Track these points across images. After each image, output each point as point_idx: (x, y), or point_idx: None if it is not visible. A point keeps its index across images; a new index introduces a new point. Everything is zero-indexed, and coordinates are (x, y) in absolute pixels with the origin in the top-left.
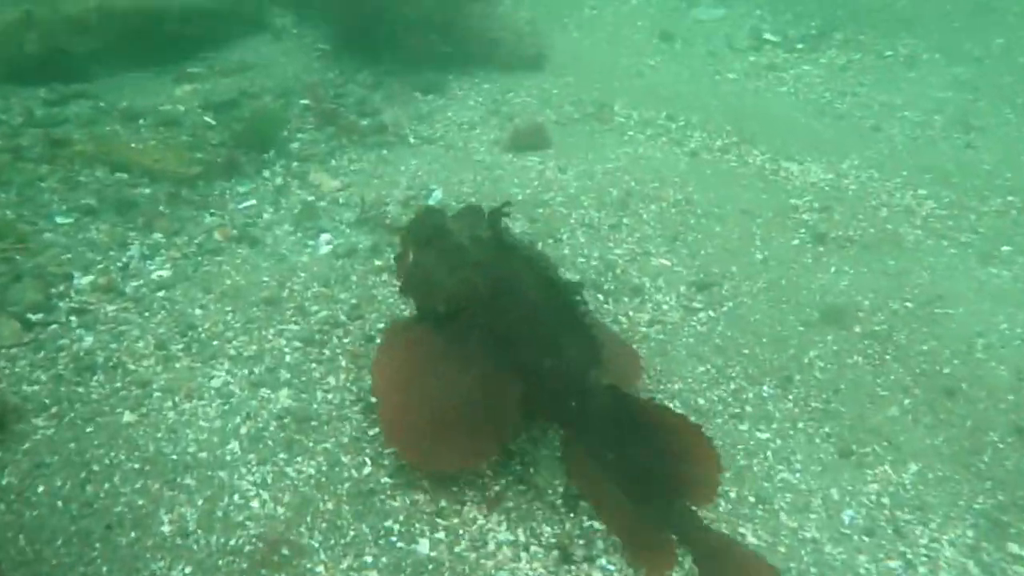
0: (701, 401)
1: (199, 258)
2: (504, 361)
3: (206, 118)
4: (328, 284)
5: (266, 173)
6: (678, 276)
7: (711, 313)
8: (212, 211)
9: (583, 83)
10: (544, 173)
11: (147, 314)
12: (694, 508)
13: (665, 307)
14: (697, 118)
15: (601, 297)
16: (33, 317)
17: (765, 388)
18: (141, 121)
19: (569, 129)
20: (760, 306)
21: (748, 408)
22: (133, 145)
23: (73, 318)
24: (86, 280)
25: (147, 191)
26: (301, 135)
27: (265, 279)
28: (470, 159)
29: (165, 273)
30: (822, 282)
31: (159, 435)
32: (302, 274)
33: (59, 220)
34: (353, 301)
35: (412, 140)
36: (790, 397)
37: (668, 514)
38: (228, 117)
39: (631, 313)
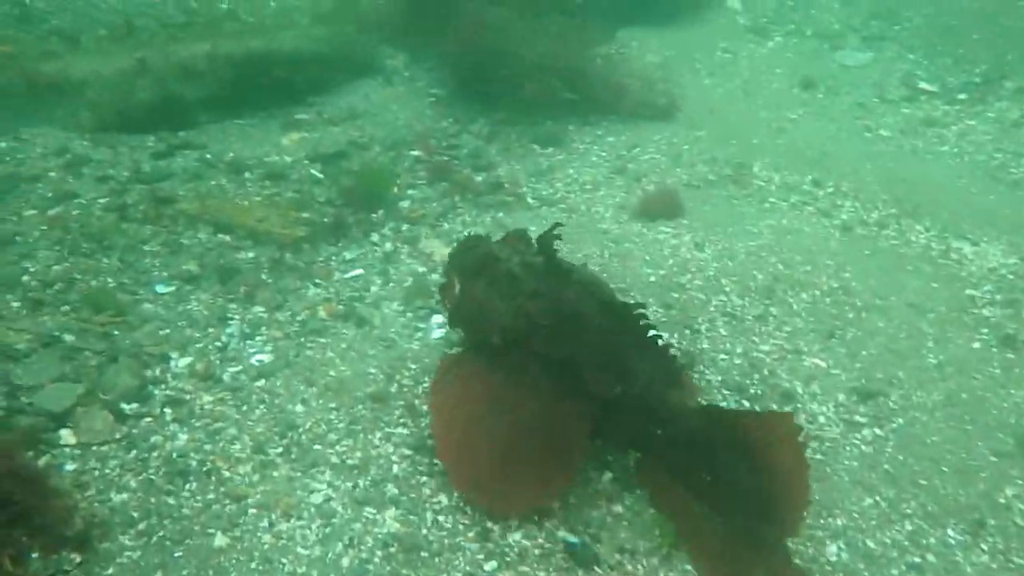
0: (870, 544)
1: (301, 339)
2: (568, 390)
3: (313, 171)
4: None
5: (374, 236)
6: (836, 381)
7: (878, 431)
8: (317, 281)
9: (718, 138)
10: (679, 250)
11: (245, 408)
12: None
13: (822, 419)
14: (848, 184)
15: (747, 403)
16: (127, 408)
17: (951, 532)
18: (247, 175)
19: (704, 194)
20: (938, 425)
21: (931, 558)
22: (238, 201)
23: (168, 410)
24: (183, 363)
25: (250, 255)
26: (412, 191)
27: (372, 370)
28: (594, 227)
29: (265, 357)
30: (1016, 400)
31: (252, 564)
32: (412, 365)
33: (159, 289)
34: None
35: (530, 200)
36: (984, 547)
37: (761, 545)
38: (336, 170)
39: None
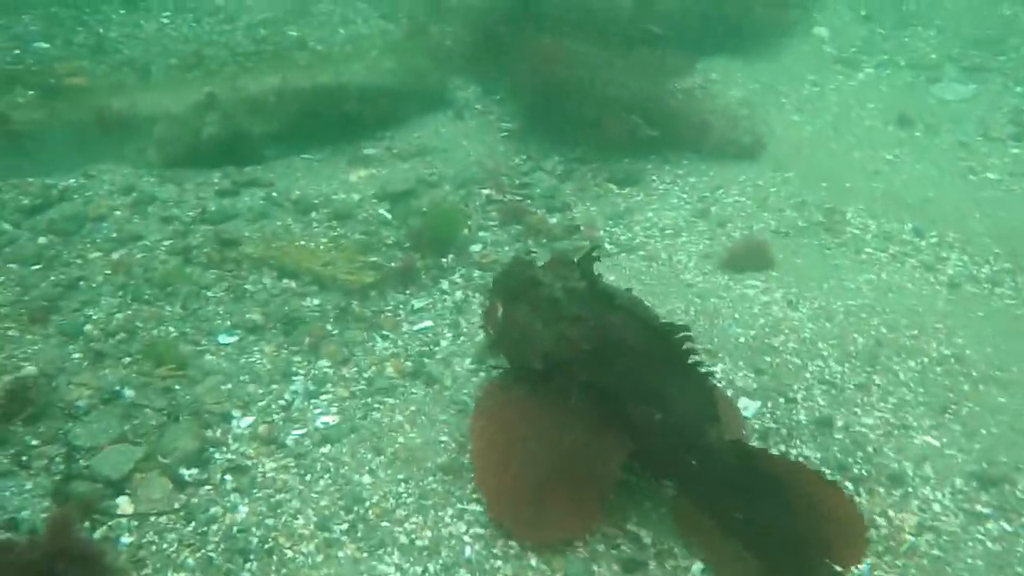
0: None
1: (368, 399)
2: (608, 417)
3: (381, 210)
4: None
5: (444, 284)
6: (952, 463)
7: (1006, 525)
8: (384, 332)
9: (807, 181)
10: (770, 307)
11: (309, 478)
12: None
13: (937, 507)
14: (953, 234)
15: (850, 485)
16: (187, 474)
17: None
18: (313, 214)
19: (794, 243)
20: None
21: None
22: (303, 243)
23: (228, 477)
24: (245, 424)
25: (315, 302)
26: (483, 233)
27: (443, 438)
28: (677, 278)
29: (331, 419)
30: None
31: None
32: None
33: (222, 340)
34: None
35: (608, 245)
36: None
37: None
38: (404, 209)
39: (891, 512)
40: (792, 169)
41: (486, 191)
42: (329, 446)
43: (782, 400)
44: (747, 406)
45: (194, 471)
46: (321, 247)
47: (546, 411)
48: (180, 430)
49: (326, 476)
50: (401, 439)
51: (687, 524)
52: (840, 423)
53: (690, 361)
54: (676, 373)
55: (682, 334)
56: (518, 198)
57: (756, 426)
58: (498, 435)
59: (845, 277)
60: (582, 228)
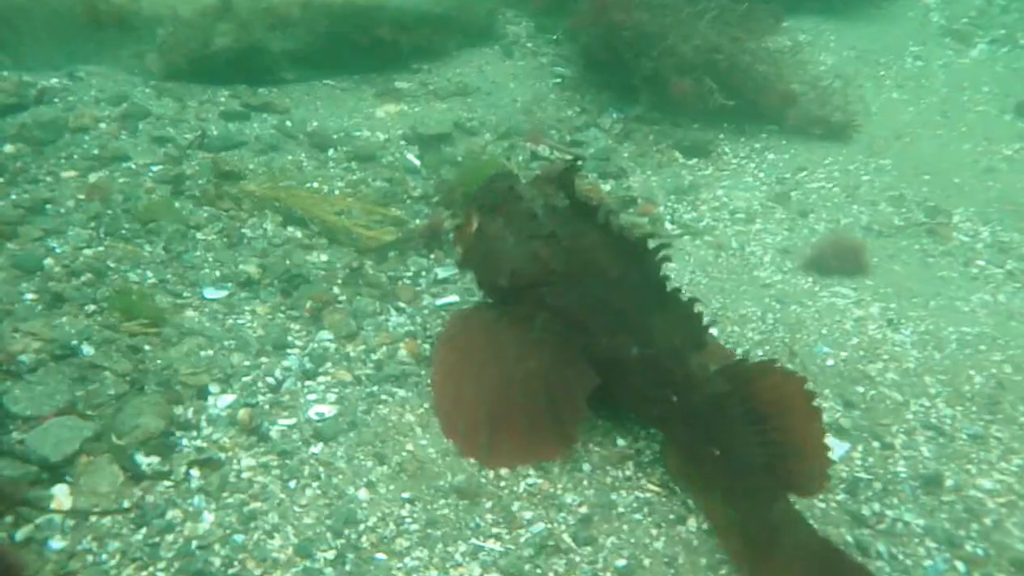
0: None
1: (375, 387)
2: (574, 348)
3: (409, 155)
4: (549, 472)
5: None
6: None
7: None
8: (400, 305)
9: (906, 172)
10: (865, 325)
11: (293, 485)
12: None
13: None
14: None
15: (961, 566)
16: (144, 462)
17: None
18: (331, 152)
19: (891, 245)
20: None
21: None
22: (315, 184)
23: (195, 473)
24: (224, 403)
25: (323, 259)
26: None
27: None
28: (750, 274)
29: (327, 409)
30: None
31: None
32: None
33: (208, 294)
34: (584, 510)
35: (669, 225)
36: None
37: (769, 516)
38: (436, 157)
39: None
40: (889, 156)
41: (532, 145)
42: (322, 445)
43: (877, 444)
44: (832, 447)
45: (154, 460)
46: (336, 192)
47: (509, 337)
48: (144, 404)
49: (314, 485)
50: (410, 446)
51: (677, 474)
52: (950, 482)
53: (672, 288)
54: (656, 301)
55: (662, 255)
56: (568, 157)
57: (843, 473)
58: (458, 361)
59: (955, 295)
60: (639, 200)
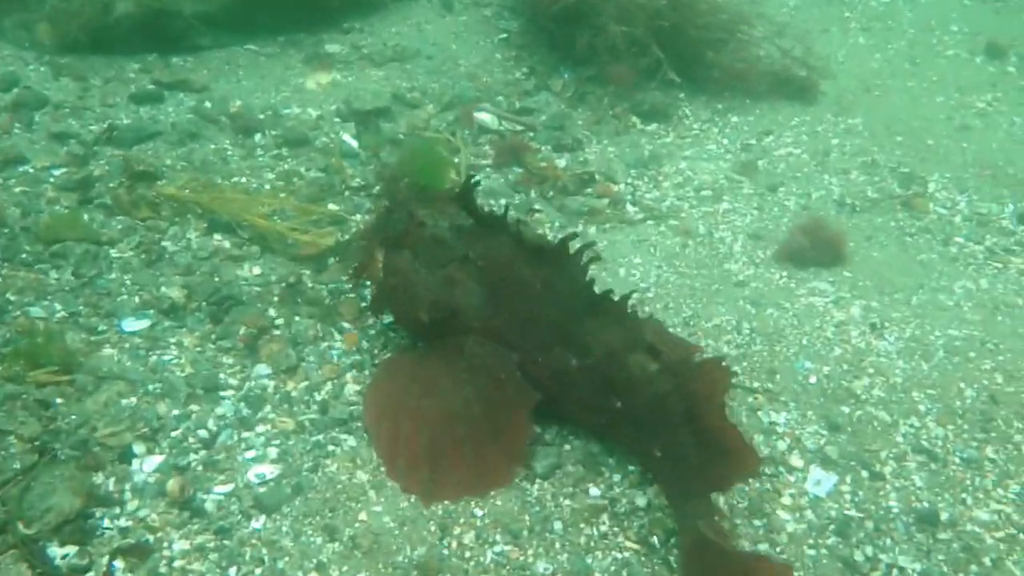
0: None
1: (320, 437)
2: (512, 367)
3: (345, 135)
4: (518, 536)
5: None
6: None
7: None
8: (345, 326)
9: (877, 132)
10: (847, 331)
11: (233, 571)
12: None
13: None
14: None
15: None
16: (59, 555)
17: None
18: (258, 137)
19: (866, 223)
20: None
21: None
22: (243, 181)
23: (119, 566)
24: (150, 467)
25: (256, 272)
26: (474, 178)
27: (420, 515)
28: (721, 268)
29: (268, 470)
30: None
31: None
32: (478, 511)
33: (127, 326)
34: None
35: (631, 209)
36: None
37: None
38: (375, 136)
39: None
40: (858, 114)
41: (480, 115)
42: (264, 518)
43: (866, 475)
44: (819, 480)
45: (70, 552)
46: (267, 187)
47: (441, 368)
48: (57, 478)
49: (258, 572)
50: (363, 515)
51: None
52: (945, 516)
53: (598, 290)
54: (585, 305)
55: (587, 259)
56: (518, 127)
57: (832, 512)
58: (390, 399)
59: (937, 284)
60: (598, 177)
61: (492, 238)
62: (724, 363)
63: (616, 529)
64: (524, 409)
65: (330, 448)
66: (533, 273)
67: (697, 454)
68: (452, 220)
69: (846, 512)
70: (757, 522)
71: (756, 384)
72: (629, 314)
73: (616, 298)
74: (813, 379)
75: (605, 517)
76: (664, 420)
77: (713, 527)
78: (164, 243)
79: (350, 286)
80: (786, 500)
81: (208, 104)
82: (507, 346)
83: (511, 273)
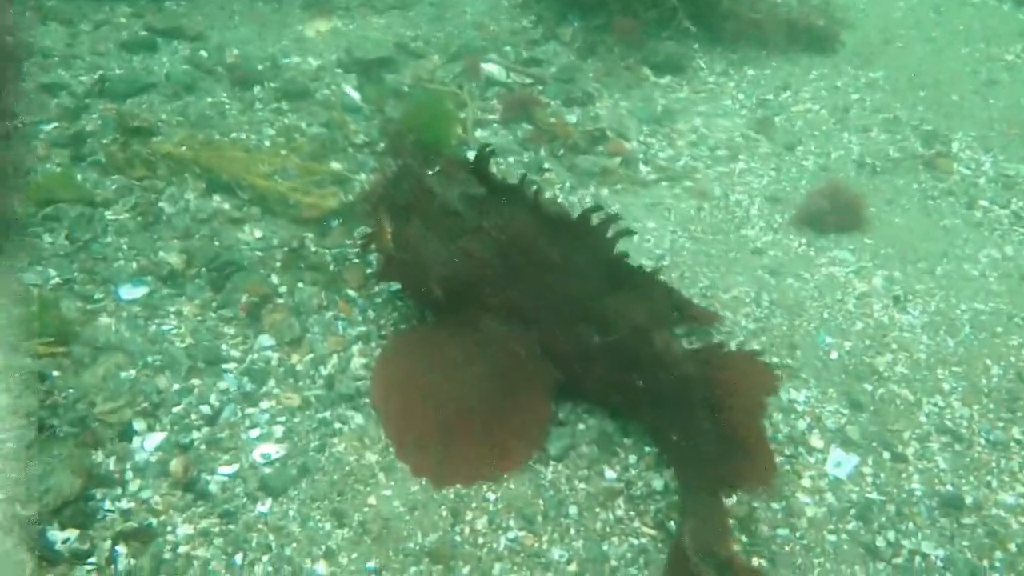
0: None
1: (327, 414)
2: (532, 344)
3: (348, 88)
4: (532, 521)
5: None
6: None
7: None
8: (349, 293)
9: (900, 86)
10: (869, 303)
11: (239, 560)
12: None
13: None
14: None
15: None
16: (59, 539)
17: None
18: (256, 89)
19: (888, 185)
20: None
21: None
22: (242, 137)
23: (121, 551)
24: (151, 445)
25: (257, 235)
26: (482, 132)
27: (431, 499)
28: (738, 234)
29: (274, 450)
30: None
31: None
32: (490, 494)
33: (124, 294)
34: (573, 568)
35: (644, 170)
36: None
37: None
38: (379, 89)
39: None
40: (880, 67)
41: (488, 66)
42: (270, 501)
43: (887, 456)
44: (840, 461)
45: (70, 536)
46: (267, 143)
47: (455, 344)
48: (56, 456)
49: (264, 560)
50: (372, 499)
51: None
52: (969, 500)
53: (624, 261)
54: (609, 279)
55: (612, 232)
56: (527, 80)
57: (853, 495)
58: (400, 376)
59: (962, 252)
60: (609, 134)
61: (508, 207)
62: (761, 358)
63: (632, 514)
64: (543, 389)
65: (337, 426)
66: (552, 244)
67: (714, 446)
68: (463, 188)
69: (867, 495)
70: (776, 505)
71: (776, 360)
72: (659, 288)
73: (646, 271)
74: (834, 355)
75: (621, 501)
76: (685, 404)
77: (713, 527)
78: (161, 204)
79: (355, 251)
80: (806, 482)
81: (204, 53)
82: (525, 322)
83: (529, 245)
